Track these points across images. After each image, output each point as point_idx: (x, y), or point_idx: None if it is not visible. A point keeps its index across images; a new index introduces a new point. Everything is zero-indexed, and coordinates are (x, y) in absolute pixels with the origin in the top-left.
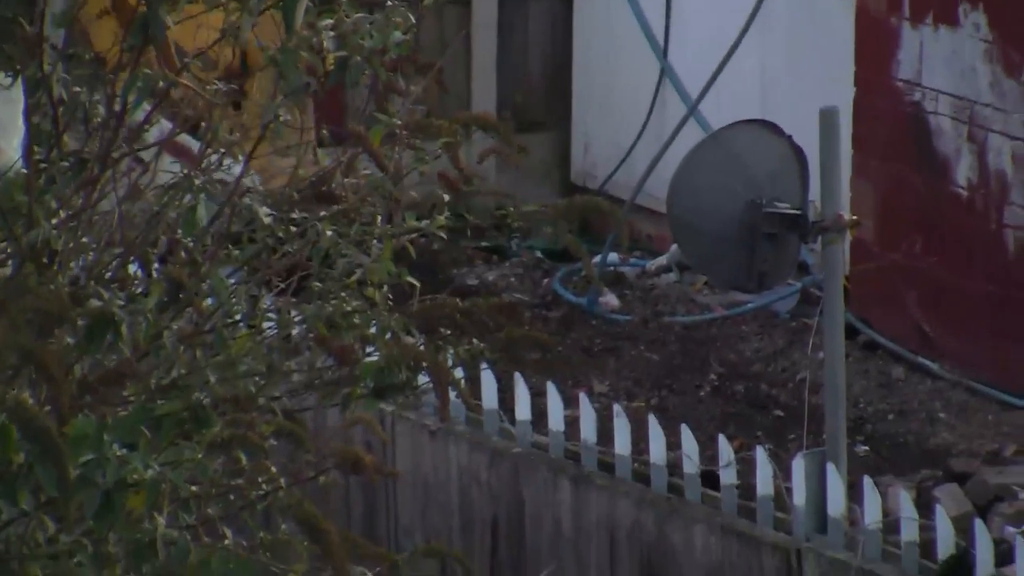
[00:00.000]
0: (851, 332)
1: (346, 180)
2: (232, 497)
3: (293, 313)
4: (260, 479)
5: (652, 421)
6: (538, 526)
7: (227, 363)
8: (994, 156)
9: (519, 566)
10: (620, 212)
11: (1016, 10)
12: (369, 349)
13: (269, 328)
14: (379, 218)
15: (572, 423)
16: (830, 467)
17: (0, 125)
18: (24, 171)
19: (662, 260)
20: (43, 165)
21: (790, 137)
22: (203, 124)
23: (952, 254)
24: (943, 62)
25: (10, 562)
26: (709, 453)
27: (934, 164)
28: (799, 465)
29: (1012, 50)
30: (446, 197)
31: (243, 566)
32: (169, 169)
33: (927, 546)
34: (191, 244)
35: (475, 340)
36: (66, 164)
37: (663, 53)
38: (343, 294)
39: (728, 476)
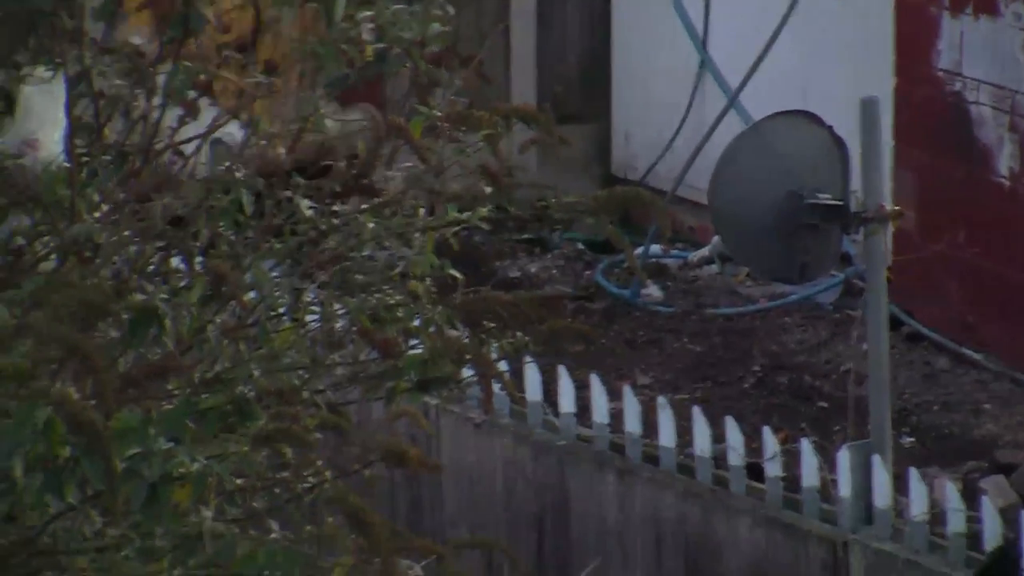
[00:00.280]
0: (894, 323)
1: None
2: (278, 490)
3: (337, 306)
4: (306, 472)
5: (697, 413)
6: (583, 518)
7: (271, 356)
8: None
9: (564, 558)
10: (662, 203)
11: None
12: (413, 342)
13: (313, 321)
14: (421, 210)
15: (616, 416)
16: (876, 459)
17: (41, 119)
18: (66, 164)
19: (704, 251)
20: (85, 158)
21: (831, 127)
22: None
23: (995, 244)
24: (984, 51)
25: (57, 556)
26: (754, 445)
27: (976, 154)
28: (844, 457)
29: None
30: (487, 189)
31: (289, 559)
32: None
33: (973, 537)
34: (233, 237)
35: (519, 333)
36: (108, 157)
37: (703, 44)
38: (386, 287)
39: (773, 468)
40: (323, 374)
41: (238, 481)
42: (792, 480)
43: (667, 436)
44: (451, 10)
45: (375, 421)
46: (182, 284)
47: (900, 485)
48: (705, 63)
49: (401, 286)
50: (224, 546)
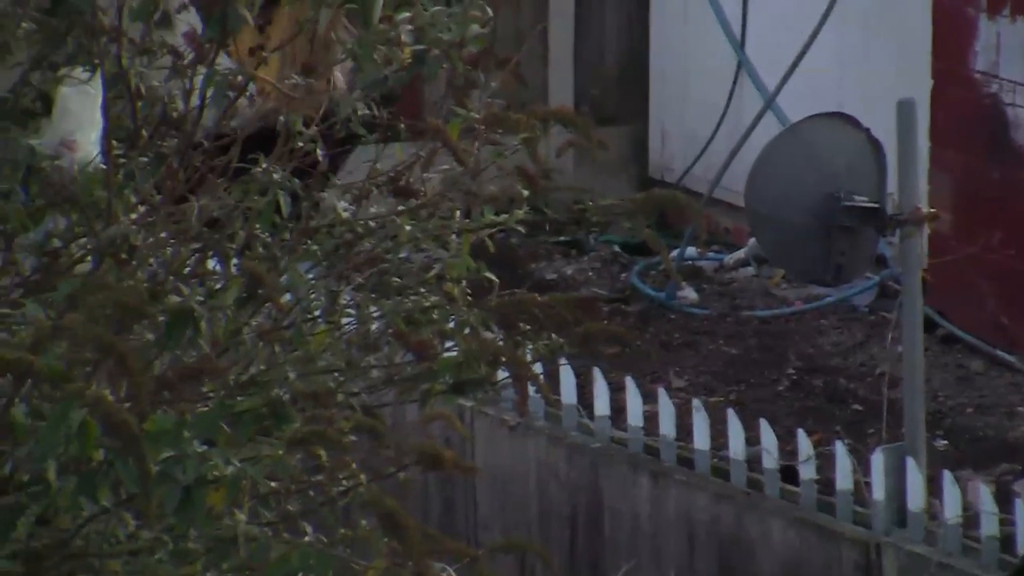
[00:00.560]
0: (929, 326)
1: (424, 175)
2: (312, 493)
3: (372, 309)
4: (340, 475)
5: (731, 416)
6: (617, 521)
7: (306, 359)
8: None
9: (598, 560)
10: (698, 206)
11: None
12: (448, 344)
13: (348, 324)
14: (457, 213)
15: (651, 418)
16: (909, 461)
17: (78, 120)
18: (103, 166)
19: (740, 254)
20: (122, 160)
21: (868, 130)
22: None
23: None
24: (1020, 53)
25: (90, 558)
26: (788, 448)
27: (1012, 156)
28: (878, 459)
29: None
30: (524, 192)
31: (323, 562)
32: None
33: (1007, 540)
34: (269, 239)
35: (554, 335)
36: (145, 159)
37: (740, 46)
38: (422, 289)
39: (807, 471)
40: (358, 376)
41: (272, 484)
42: (826, 483)
43: (701, 439)
44: (489, 11)
45: (410, 424)
46: (218, 286)
47: (933, 488)
48: (742, 64)
49: (437, 288)
50: (258, 549)
